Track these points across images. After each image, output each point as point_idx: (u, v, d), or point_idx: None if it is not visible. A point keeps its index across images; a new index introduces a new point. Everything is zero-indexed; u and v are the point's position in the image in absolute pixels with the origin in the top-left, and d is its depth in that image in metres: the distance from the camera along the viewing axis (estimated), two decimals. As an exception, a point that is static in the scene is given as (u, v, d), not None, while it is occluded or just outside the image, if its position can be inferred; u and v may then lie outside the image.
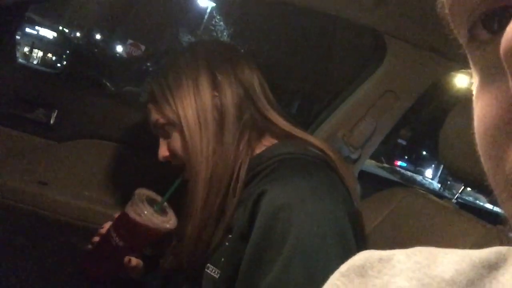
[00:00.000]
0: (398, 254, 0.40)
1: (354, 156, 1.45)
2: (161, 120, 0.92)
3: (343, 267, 0.42)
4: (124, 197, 1.45)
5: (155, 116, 0.93)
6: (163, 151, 0.97)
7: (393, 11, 1.24)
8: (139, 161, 1.46)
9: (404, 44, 1.34)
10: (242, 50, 1.00)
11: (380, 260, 0.40)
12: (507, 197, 0.23)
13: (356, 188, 0.91)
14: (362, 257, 0.42)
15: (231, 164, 0.87)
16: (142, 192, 1.00)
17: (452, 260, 0.37)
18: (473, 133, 0.28)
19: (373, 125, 1.44)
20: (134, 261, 0.98)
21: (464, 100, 1.13)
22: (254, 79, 0.91)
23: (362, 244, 0.80)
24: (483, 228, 0.96)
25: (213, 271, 0.83)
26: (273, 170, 0.83)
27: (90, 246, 1.03)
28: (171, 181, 1.09)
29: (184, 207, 0.97)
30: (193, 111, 0.88)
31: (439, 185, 22.04)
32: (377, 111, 1.44)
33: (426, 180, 23.20)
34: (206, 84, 0.88)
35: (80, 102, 1.50)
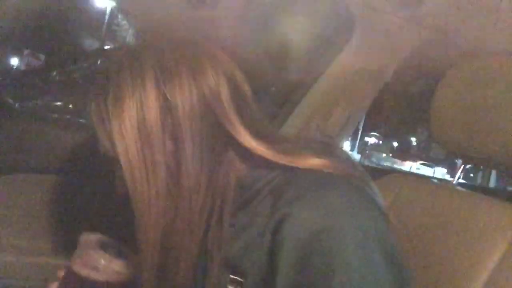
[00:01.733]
0: None
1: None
2: (101, 148, 0.68)
3: None
4: (65, 241, 1.19)
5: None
6: (118, 186, 0.71)
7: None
8: (79, 193, 1.19)
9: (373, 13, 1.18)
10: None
11: None
12: None
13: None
14: None
15: (198, 206, 0.65)
16: (89, 237, 0.76)
17: None
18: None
19: (347, 111, 1.28)
20: None
21: (452, 71, 1.00)
22: (221, 86, 0.67)
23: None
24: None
25: None
26: (284, 187, 0.64)
27: None
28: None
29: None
30: (135, 138, 0.63)
31: (359, 156, 23.07)
32: (350, 94, 1.28)
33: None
34: (153, 95, 0.63)
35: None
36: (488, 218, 0.80)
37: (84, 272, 0.71)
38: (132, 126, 0.62)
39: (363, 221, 0.59)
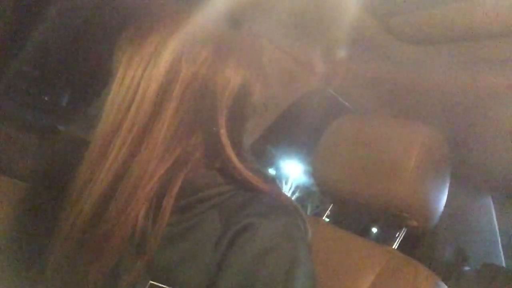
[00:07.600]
0: None
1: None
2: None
3: None
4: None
5: None
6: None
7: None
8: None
9: (277, 52, 1.25)
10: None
11: None
12: None
13: None
14: None
15: (156, 174, 0.63)
16: None
17: None
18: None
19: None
20: None
21: (338, 119, 1.09)
22: (232, 84, 0.66)
23: None
24: (385, 251, 0.91)
25: None
26: (240, 205, 0.65)
27: None
28: None
29: None
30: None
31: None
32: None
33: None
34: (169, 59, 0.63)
35: None
36: (359, 255, 0.89)
37: None
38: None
39: (302, 245, 0.61)
